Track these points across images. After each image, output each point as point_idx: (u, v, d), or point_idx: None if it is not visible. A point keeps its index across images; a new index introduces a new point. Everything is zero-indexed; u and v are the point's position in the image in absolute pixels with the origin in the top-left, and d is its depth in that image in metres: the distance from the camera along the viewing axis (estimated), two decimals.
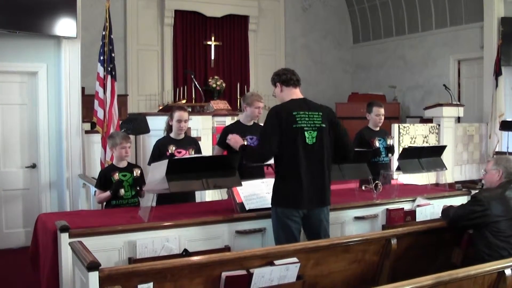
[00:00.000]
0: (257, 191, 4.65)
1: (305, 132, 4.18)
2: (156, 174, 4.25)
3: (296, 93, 4.40)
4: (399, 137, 9.71)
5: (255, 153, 4.43)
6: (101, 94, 6.68)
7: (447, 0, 12.17)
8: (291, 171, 4.16)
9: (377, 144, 6.13)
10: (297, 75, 4.47)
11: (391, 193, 5.51)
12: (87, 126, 7.56)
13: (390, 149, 6.31)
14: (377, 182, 5.42)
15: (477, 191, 5.31)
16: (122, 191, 4.97)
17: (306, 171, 4.15)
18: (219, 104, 9.17)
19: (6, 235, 6.92)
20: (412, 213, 5.23)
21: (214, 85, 12.39)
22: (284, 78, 4.39)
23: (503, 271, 3.39)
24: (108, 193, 4.98)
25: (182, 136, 5.51)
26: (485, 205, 4.07)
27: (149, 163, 5.13)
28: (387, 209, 5.15)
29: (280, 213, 4.19)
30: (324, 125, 4.26)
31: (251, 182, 4.72)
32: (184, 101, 11.44)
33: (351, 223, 5.00)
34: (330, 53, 14.64)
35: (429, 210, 5.30)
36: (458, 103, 10.85)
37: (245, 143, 5.25)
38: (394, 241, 4.04)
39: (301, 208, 4.19)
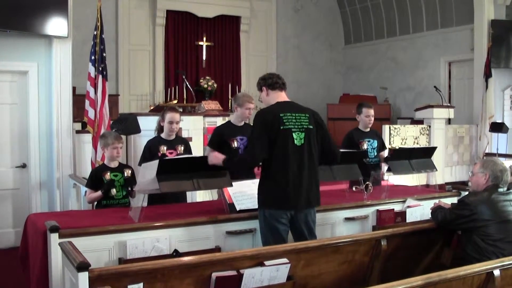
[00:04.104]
0: (248, 192, 4.66)
1: (293, 134, 4.19)
2: (147, 174, 4.25)
3: (282, 96, 4.41)
4: (390, 138, 9.75)
5: (243, 160, 4.48)
6: (92, 94, 6.66)
7: (438, 2, 12.23)
8: (280, 173, 4.16)
9: (365, 146, 6.17)
10: (283, 79, 4.48)
11: (381, 194, 5.54)
12: (78, 126, 7.52)
13: (386, 159, 6.34)
14: (367, 183, 5.44)
15: (466, 192, 5.34)
16: (113, 190, 4.96)
17: (295, 172, 4.16)
18: (211, 105, 9.16)
19: None
20: (403, 214, 5.25)
21: (205, 86, 12.39)
22: (270, 81, 4.40)
23: (492, 271, 3.42)
24: (99, 193, 4.96)
25: (173, 137, 5.50)
26: (472, 210, 4.07)
27: (140, 164, 5.12)
28: (378, 210, 5.18)
29: (269, 216, 4.19)
30: (311, 127, 4.29)
31: (242, 183, 4.72)
32: (175, 102, 11.42)
33: (341, 224, 5.01)
34: (322, 54, 14.67)
35: (419, 211, 5.31)
36: (449, 104, 10.92)
37: (235, 143, 5.28)
38: (384, 242, 4.05)
39: (289, 210, 4.20)
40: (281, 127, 4.16)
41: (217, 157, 4.37)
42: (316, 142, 4.33)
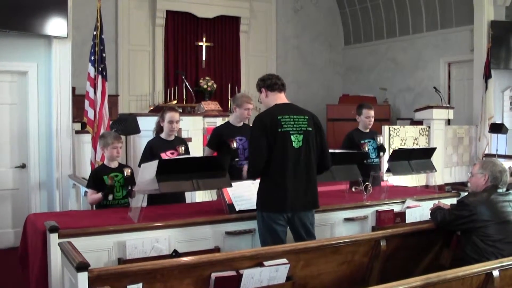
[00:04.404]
0: (247, 192, 4.66)
1: (291, 136, 4.19)
2: (146, 175, 4.25)
3: (281, 98, 4.40)
4: (389, 139, 9.75)
5: (249, 170, 4.43)
6: (91, 94, 6.66)
7: (438, 3, 12.23)
8: (278, 175, 4.16)
9: (366, 148, 6.18)
10: (282, 79, 4.46)
11: (381, 195, 5.54)
12: (78, 126, 7.53)
13: (381, 148, 6.36)
14: (367, 183, 5.44)
15: (466, 193, 5.34)
16: (110, 196, 4.96)
17: (292, 175, 4.16)
18: (210, 105, 9.16)
19: None
20: (402, 214, 5.25)
21: (205, 86, 12.38)
22: (269, 82, 4.39)
23: (491, 272, 3.42)
24: (100, 195, 4.96)
25: (173, 137, 5.50)
26: (471, 210, 4.08)
27: (140, 165, 5.11)
28: (377, 211, 5.18)
29: (266, 217, 4.20)
30: (310, 129, 4.28)
31: (241, 183, 4.72)
32: (175, 102, 11.42)
33: (340, 225, 5.01)
34: (322, 54, 14.66)
35: (419, 211, 5.32)
36: (448, 105, 10.92)
37: (234, 144, 5.29)
38: (383, 243, 4.05)
39: (286, 212, 4.20)
40: (279, 130, 4.16)
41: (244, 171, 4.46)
42: (316, 144, 4.33)
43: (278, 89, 4.40)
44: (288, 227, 4.30)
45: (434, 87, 11.11)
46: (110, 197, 4.96)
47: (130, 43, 12.17)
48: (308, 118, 4.31)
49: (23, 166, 7.01)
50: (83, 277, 2.98)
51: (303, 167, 4.21)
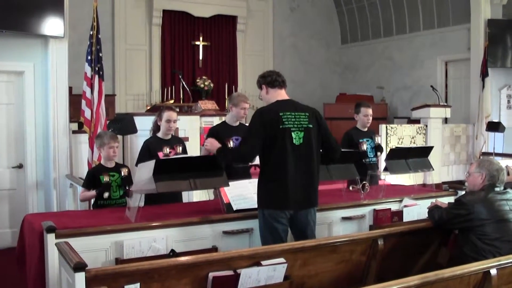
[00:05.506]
0: (245, 192, 4.66)
1: (292, 133, 4.18)
2: (143, 175, 4.24)
3: (281, 94, 4.40)
4: (386, 138, 9.75)
5: (235, 153, 4.47)
6: (88, 94, 6.66)
7: (435, 2, 12.25)
8: (278, 173, 4.15)
9: (364, 146, 6.17)
10: (282, 76, 4.45)
11: (378, 194, 5.54)
12: (75, 126, 7.51)
13: (378, 148, 6.36)
14: (364, 182, 5.44)
15: (463, 192, 5.35)
16: (106, 194, 4.93)
17: (293, 172, 4.15)
18: (207, 104, 9.16)
19: None
20: (399, 213, 5.25)
21: (202, 85, 12.38)
22: (269, 79, 4.39)
23: (489, 271, 3.42)
24: (93, 192, 4.94)
25: (170, 136, 5.50)
26: (469, 209, 4.08)
27: (137, 164, 5.10)
28: (374, 210, 5.18)
29: (268, 215, 4.18)
30: (311, 126, 4.27)
31: (239, 183, 4.72)
32: (172, 101, 11.42)
33: (338, 224, 5.01)
34: (319, 53, 14.67)
35: (416, 210, 5.32)
36: (445, 104, 10.94)
37: (231, 144, 5.28)
38: (381, 241, 4.05)
39: (288, 210, 4.19)
40: (280, 126, 4.15)
41: (213, 144, 4.45)
42: (317, 141, 4.32)
43: (279, 86, 4.40)
44: (289, 226, 4.30)
45: (431, 86, 11.13)
46: (106, 195, 4.91)
47: (126, 43, 12.16)
48: (309, 115, 4.31)
49: (20, 166, 7.00)
50: (80, 277, 2.97)
51: (303, 164, 4.20)
